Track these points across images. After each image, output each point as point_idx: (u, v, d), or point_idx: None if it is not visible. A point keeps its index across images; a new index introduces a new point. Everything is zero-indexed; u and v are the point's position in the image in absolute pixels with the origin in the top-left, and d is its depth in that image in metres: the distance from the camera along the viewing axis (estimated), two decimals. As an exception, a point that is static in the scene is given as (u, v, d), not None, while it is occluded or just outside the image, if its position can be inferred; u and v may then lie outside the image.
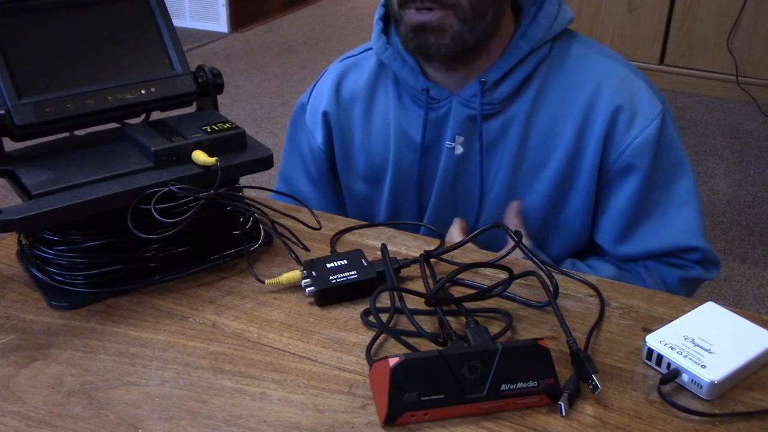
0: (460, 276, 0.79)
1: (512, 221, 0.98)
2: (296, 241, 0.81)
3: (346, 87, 1.09)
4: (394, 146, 1.05)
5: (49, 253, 0.74)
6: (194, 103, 0.85)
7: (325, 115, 1.09)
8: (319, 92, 1.12)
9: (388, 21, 1.05)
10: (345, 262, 0.77)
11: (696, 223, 0.99)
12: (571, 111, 0.98)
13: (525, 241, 0.94)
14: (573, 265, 1.01)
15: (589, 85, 0.98)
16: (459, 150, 1.02)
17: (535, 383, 0.61)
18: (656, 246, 1.00)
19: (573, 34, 1.02)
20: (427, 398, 0.59)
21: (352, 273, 0.76)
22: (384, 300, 0.75)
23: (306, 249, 0.82)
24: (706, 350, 0.65)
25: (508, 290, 0.74)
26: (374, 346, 0.69)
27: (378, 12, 1.05)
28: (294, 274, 0.77)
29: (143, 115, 0.82)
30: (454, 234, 0.98)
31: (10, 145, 0.75)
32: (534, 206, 1.01)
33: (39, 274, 0.76)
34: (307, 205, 0.87)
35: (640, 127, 0.96)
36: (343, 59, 1.12)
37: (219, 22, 4.31)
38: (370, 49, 1.07)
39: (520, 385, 0.61)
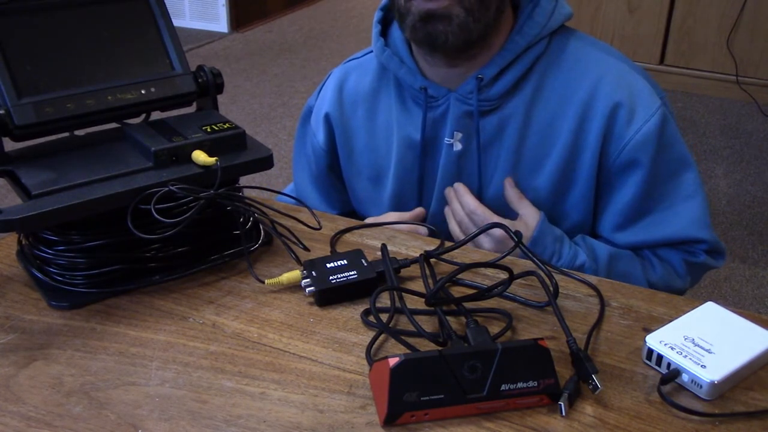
0: (460, 276, 0.79)
1: (513, 194, 1.00)
2: (296, 241, 0.81)
3: (348, 89, 1.10)
4: (397, 147, 1.06)
5: (49, 253, 0.74)
6: (194, 103, 0.85)
7: (327, 117, 1.12)
8: (323, 95, 1.14)
9: (386, 25, 1.06)
10: (345, 262, 0.77)
11: (702, 216, 1.00)
12: (570, 107, 0.98)
13: (534, 215, 0.98)
14: (583, 239, 1.01)
15: (588, 81, 0.98)
16: (458, 146, 1.02)
17: (535, 383, 0.61)
18: (661, 236, 1.00)
19: (571, 30, 1.03)
20: (427, 398, 0.59)
21: (352, 273, 0.76)
22: (384, 300, 0.75)
23: (306, 249, 0.82)
24: (706, 350, 0.65)
25: (508, 290, 0.74)
26: (374, 346, 0.69)
27: (376, 15, 1.06)
28: (294, 274, 0.77)
29: (143, 115, 0.82)
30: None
31: (10, 145, 0.75)
32: (533, 202, 1.01)
33: (39, 274, 0.76)
34: (307, 205, 0.87)
35: (639, 123, 0.96)
36: (347, 62, 1.14)
37: (219, 22, 4.31)
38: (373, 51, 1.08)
39: (520, 385, 0.61)
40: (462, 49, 0.96)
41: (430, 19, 0.92)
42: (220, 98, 0.85)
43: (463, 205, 1.00)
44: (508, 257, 0.78)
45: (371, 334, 0.71)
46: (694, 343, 0.66)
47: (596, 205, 1.02)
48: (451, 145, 1.02)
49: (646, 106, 0.97)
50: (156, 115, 0.83)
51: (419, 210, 1.05)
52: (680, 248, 1.02)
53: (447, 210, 1.04)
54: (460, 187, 1.02)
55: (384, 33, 1.06)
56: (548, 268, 0.75)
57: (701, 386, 0.63)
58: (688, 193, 1.00)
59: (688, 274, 1.03)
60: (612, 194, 1.00)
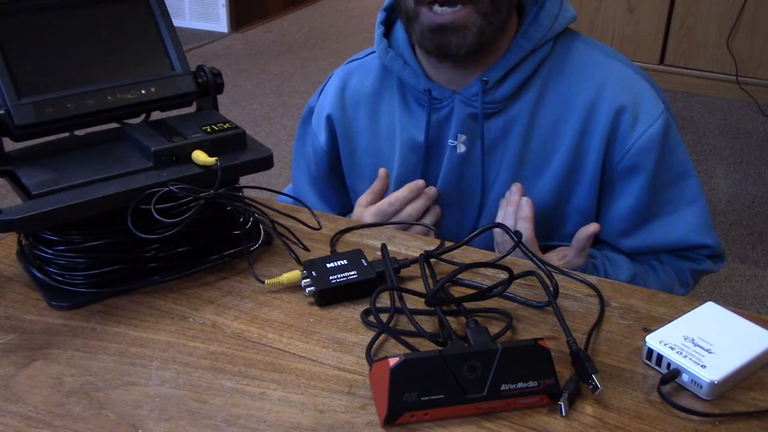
0: (460, 276, 0.79)
1: (581, 240, 0.94)
2: (296, 241, 0.81)
3: (350, 90, 1.10)
4: (399, 148, 1.06)
5: (49, 253, 0.74)
6: (194, 103, 0.85)
7: (328, 118, 1.11)
8: (325, 96, 1.14)
9: (389, 25, 1.06)
10: (345, 262, 0.77)
11: (705, 220, 1.00)
12: (574, 110, 0.98)
13: (576, 265, 0.93)
14: (605, 258, 1.00)
15: (592, 85, 0.98)
16: (461, 149, 1.02)
17: (535, 383, 0.61)
18: (666, 241, 1.00)
19: (575, 33, 1.03)
20: (427, 398, 0.59)
21: (352, 273, 0.76)
22: (384, 300, 0.75)
23: (306, 249, 0.82)
24: (706, 350, 0.65)
25: (508, 290, 0.74)
26: (374, 346, 0.69)
27: (379, 16, 1.06)
28: (294, 274, 0.77)
29: (143, 115, 0.82)
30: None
31: (10, 145, 0.75)
32: (536, 205, 1.01)
33: (39, 274, 0.76)
34: (307, 205, 0.87)
35: (643, 128, 0.96)
36: (349, 62, 1.13)
37: (219, 22, 4.31)
38: (375, 52, 1.08)
39: (520, 385, 0.61)
40: (472, 54, 0.95)
41: (442, 32, 0.92)
42: (220, 98, 0.85)
43: (517, 228, 0.93)
44: (508, 257, 0.78)
45: (371, 334, 0.71)
46: (694, 343, 0.66)
47: (598, 208, 1.02)
48: (455, 147, 1.02)
49: (650, 111, 0.97)
50: (156, 115, 0.83)
51: (420, 182, 1.00)
52: (683, 255, 1.02)
53: (502, 201, 0.97)
54: (527, 207, 0.93)
55: (386, 34, 1.06)
56: (548, 268, 0.75)
57: (701, 386, 0.63)
58: (691, 198, 1.00)
59: (691, 279, 1.03)
60: (614, 198, 1.00)
